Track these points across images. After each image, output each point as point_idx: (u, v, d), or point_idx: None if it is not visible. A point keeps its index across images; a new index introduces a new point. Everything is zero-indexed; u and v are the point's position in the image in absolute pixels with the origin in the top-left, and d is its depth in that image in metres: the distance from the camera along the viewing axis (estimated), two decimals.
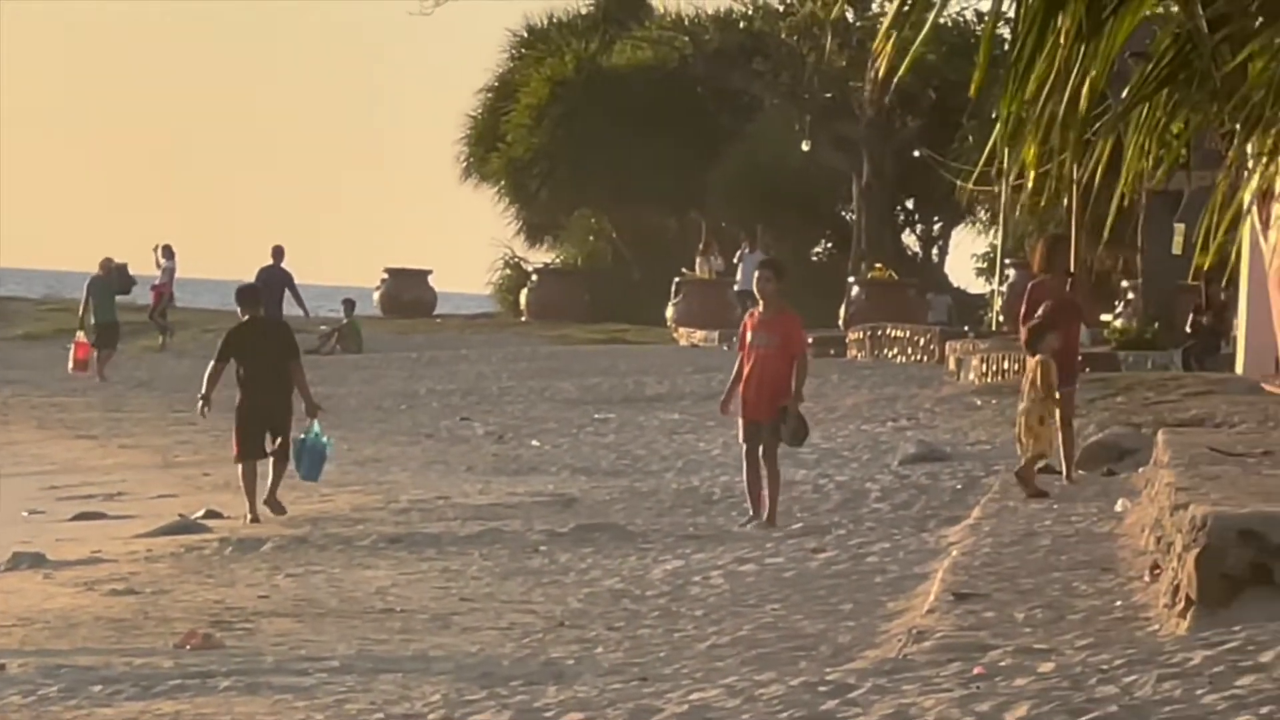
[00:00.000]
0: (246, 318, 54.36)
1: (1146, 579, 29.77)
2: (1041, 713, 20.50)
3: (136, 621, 34.98)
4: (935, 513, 42.88)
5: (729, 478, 45.62)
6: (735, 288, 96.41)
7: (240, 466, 50.81)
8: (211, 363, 53.41)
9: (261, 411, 49.80)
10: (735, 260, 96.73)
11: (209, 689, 28.22)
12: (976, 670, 23.74)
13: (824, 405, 59.91)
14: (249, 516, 51.55)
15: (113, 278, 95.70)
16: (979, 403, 60.75)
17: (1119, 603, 28.88)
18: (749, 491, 44.98)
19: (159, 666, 30.30)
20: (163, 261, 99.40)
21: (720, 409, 48.62)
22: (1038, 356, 44.45)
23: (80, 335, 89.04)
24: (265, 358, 51.25)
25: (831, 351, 79.92)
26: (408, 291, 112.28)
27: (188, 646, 31.96)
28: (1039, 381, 44.56)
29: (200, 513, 50.71)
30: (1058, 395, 43.67)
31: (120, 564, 42.27)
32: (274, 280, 60.59)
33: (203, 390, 53.97)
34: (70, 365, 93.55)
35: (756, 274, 52.90)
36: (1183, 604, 26.47)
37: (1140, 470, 38.16)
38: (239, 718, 25.76)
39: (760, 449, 44.43)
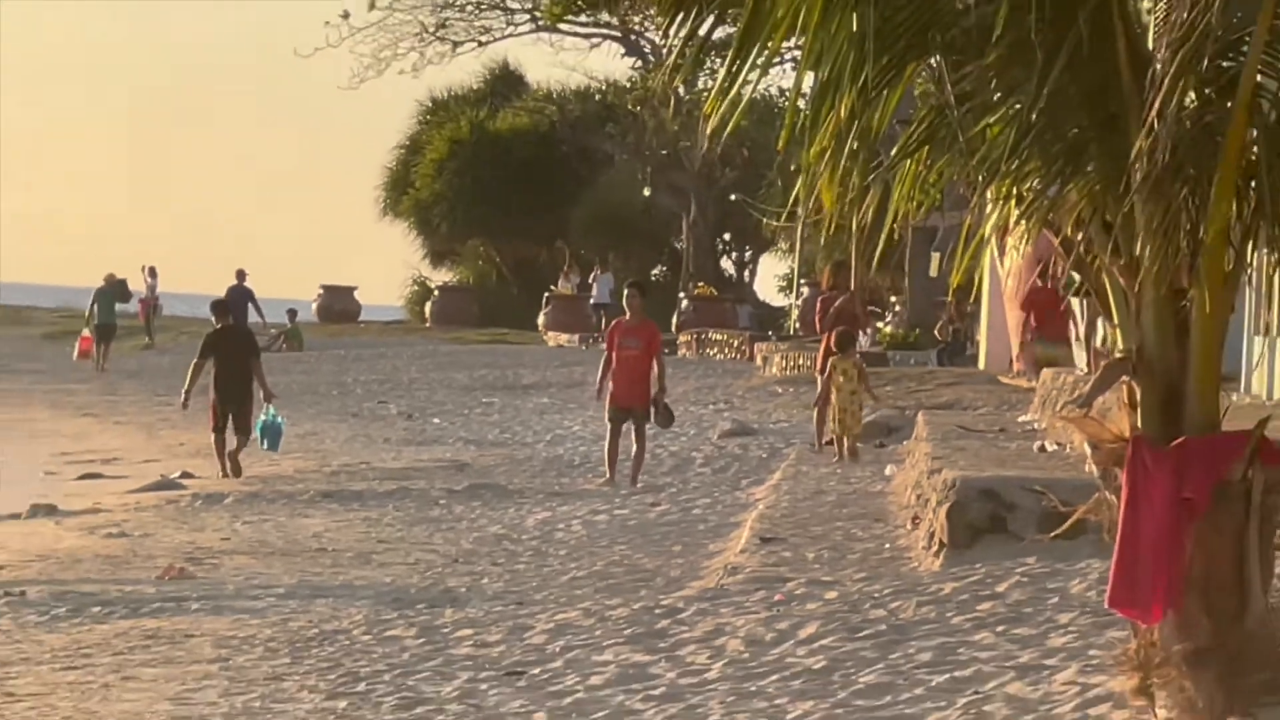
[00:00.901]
0: (219, 325, 54.91)
1: (908, 527, 30.42)
2: (827, 630, 21.21)
3: (127, 558, 35.29)
4: (745, 475, 42.57)
5: (587, 448, 46.08)
6: (591, 301, 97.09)
7: (213, 437, 51.46)
8: (194, 360, 54.10)
9: (230, 396, 49.81)
10: (590, 280, 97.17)
11: (183, 610, 28.56)
12: (777, 597, 24.32)
13: (697, 439, 60.66)
14: (220, 474, 51.49)
15: (114, 288, 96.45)
16: (779, 391, 61.41)
17: (887, 545, 29.47)
18: (608, 459, 45.24)
19: (144, 593, 30.55)
20: (149, 280, 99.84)
21: (596, 395, 49.01)
22: (855, 358, 45.14)
23: (85, 332, 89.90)
24: (233, 356, 51.54)
25: (666, 351, 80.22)
26: (338, 303, 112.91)
27: (167, 577, 32.09)
28: (857, 378, 45.16)
29: (177, 474, 50.83)
30: (855, 385, 44.26)
31: (115, 513, 42.42)
32: (239, 296, 61.35)
33: (186, 384, 54.56)
34: (75, 354, 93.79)
35: (626, 291, 53.68)
36: (936, 547, 27.41)
37: (904, 443, 38.55)
38: (206, 632, 25.74)
39: (629, 428, 44.96)
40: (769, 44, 18.60)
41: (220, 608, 28.72)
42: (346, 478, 48.42)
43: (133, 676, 22.91)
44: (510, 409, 62.72)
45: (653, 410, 45.71)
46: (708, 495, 41.01)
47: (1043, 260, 44.51)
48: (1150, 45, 18.12)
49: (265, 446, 53.67)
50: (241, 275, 69.92)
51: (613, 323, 50.70)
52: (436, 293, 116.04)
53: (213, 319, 56.95)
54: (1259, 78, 17.85)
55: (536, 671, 21.40)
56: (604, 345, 51.98)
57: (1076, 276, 21.78)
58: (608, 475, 44.98)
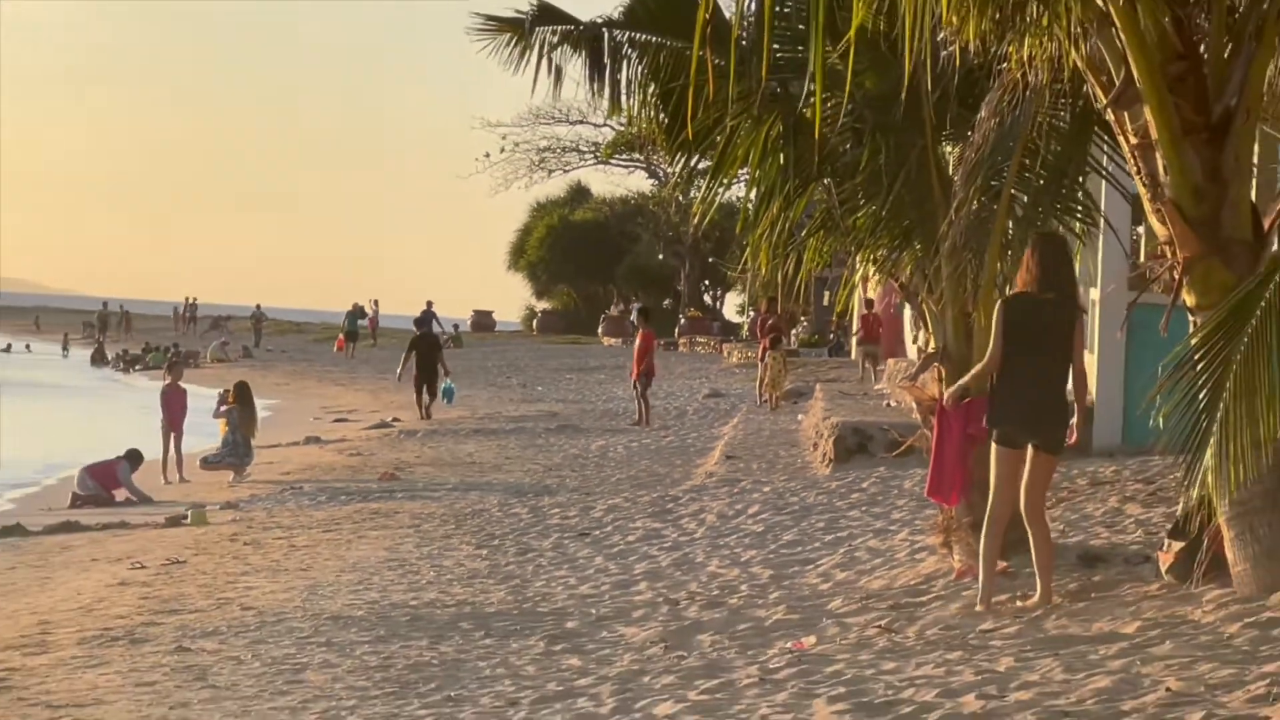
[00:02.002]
0: (418, 332, 54.61)
1: (812, 450, 29.91)
2: (764, 509, 21.74)
3: (360, 467, 35.23)
4: (718, 420, 42.22)
5: (628, 405, 45.43)
6: (630, 319, 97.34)
7: (415, 397, 50.42)
8: (404, 353, 53.13)
9: (425, 373, 49.45)
10: (626, 306, 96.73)
11: (392, 497, 28.72)
12: (735, 490, 24.20)
13: (669, 373, 60.05)
14: (418, 418, 50.50)
15: (356, 311, 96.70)
16: (737, 372, 61.55)
17: (799, 460, 29.38)
18: (640, 409, 44.30)
19: (369, 488, 30.64)
20: (374, 306, 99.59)
21: (631, 375, 47.48)
22: (781, 351, 46.23)
23: (340, 337, 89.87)
24: (427, 350, 51.06)
25: (671, 348, 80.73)
26: (483, 320, 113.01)
27: (383, 478, 31.92)
28: (781, 363, 45.84)
29: (390, 418, 49.91)
30: (780, 367, 44.83)
31: (353, 441, 42.11)
32: (428, 315, 61.26)
33: (400, 367, 53.95)
34: (335, 349, 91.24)
35: (635, 313, 59.41)
36: (827, 461, 27.23)
37: (808, 401, 38.55)
38: (406, 511, 25.93)
39: (641, 390, 44.03)
40: (730, 171, 18.53)
41: (414, 496, 28.85)
42: (487, 421, 47.77)
43: (364, 535, 23.12)
44: (581, 381, 62.49)
45: (642, 387, 45.32)
46: (696, 431, 40.65)
47: (885, 296, 45.32)
48: (951, 172, 18.11)
49: (446, 403, 53.14)
50: (429, 304, 70.51)
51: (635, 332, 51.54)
52: (539, 314, 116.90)
53: (415, 328, 56.31)
54: (1013, 191, 17.82)
55: (597, 533, 21.68)
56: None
57: (908, 304, 21.77)
58: (635, 420, 44.54)
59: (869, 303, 52.45)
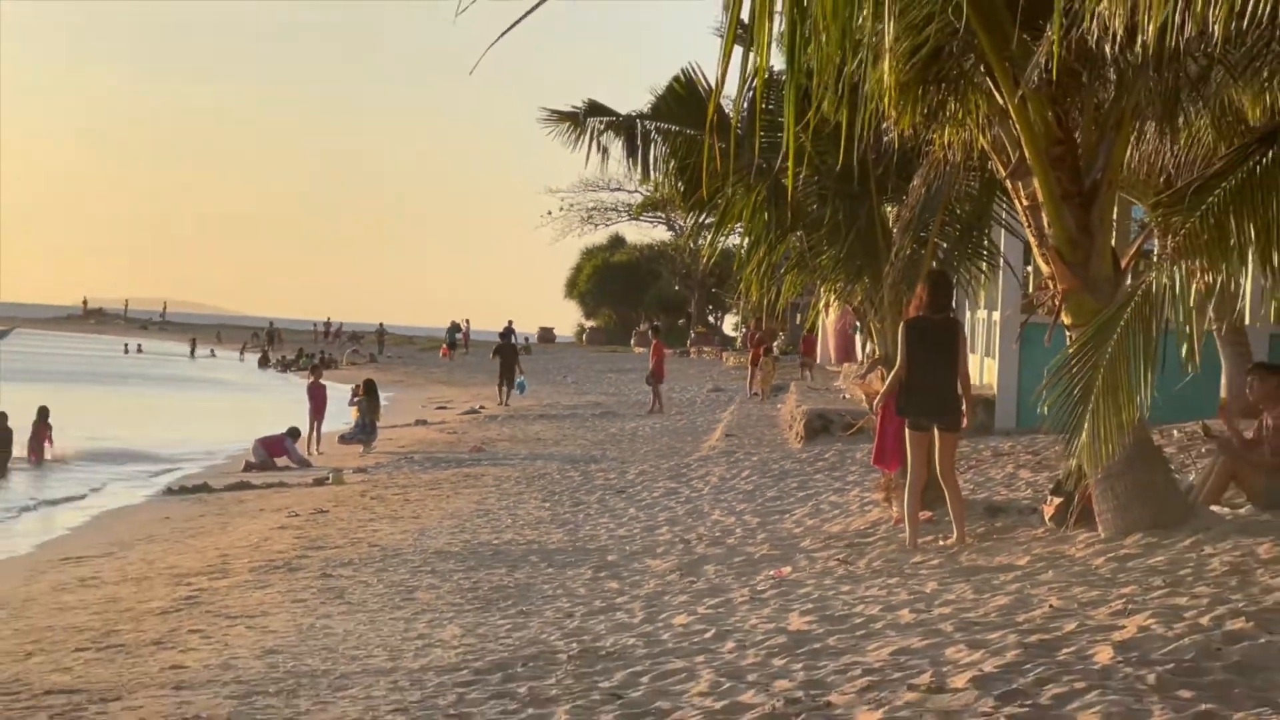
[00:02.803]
0: (501, 342, 54.10)
1: (788, 430, 29.32)
2: (754, 474, 21.29)
3: (455, 442, 34.82)
4: (719, 407, 41.71)
5: (647, 398, 44.98)
6: (650, 333, 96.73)
7: (497, 388, 50.39)
8: (494, 357, 53.18)
9: (506, 371, 48.70)
10: (649, 326, 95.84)
11: (480, 464, 28.35)
12: (732, 460, 23.76)
13: (683, 374, 59.43)
14: (498, 404, 50.04)
15: (454, 327, 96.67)
16: (733, 373, 61.08)
17: (780, 438, 28.89)
18: (653, 400, 43.27)
19: (463, 457, 30.31)
20: (466, 323, 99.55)
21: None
22: (769, 357, 45.92)
23: (444, 346, 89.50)
24: (508, 356, 50.22)
25: (683, 355, 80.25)
26: (546, 334, 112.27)
27: (472, 450, 31.70)
28: (772, 366, 45.71)
29: (479, 406, 48.45)
30: (770, 368, 44.55)
31: (451, 423, 41.67)
32: (508, 331, 60.57)
33: (499, 379, 51.47)
34: (441, 355, 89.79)
35: (650, 329, 61.52)
36: (799, 439, 26.58)
37: (786, 394, 38.38)
38: (490, 474, 25.66)
39: (653, 386, 43.51)
40: (729, 225, 18.49)
41: (496, 463, 28.51)
42: (549, 409, 46.59)
43: (459, 492, 23.10)
44: (618, 380, 61.81)
45: (657, 387, 44.51)
46: (702, 416, 39.95)
47: (842, 317, 45.40)
48: (891, 225, 18.08)
49: (519, 394, 51.32)
50: (510, 323, 69.52)
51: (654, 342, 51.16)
52: (587, 330, 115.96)
53: (499, 340, 55.81)
54: (936, 240, 17.78)
55: (630, 490, 21.58)
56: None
57: (859, 322, 21.81)
58: (650, 408, 43.62)
59: (810, 329, 52.27)
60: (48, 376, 63.55)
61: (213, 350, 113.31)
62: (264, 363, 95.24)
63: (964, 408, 14.39)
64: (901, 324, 14.68)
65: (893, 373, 14.49)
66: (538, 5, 8.00)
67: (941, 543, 13.59)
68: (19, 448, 32.88)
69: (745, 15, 8.26)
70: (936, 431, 13.88)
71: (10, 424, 32.59)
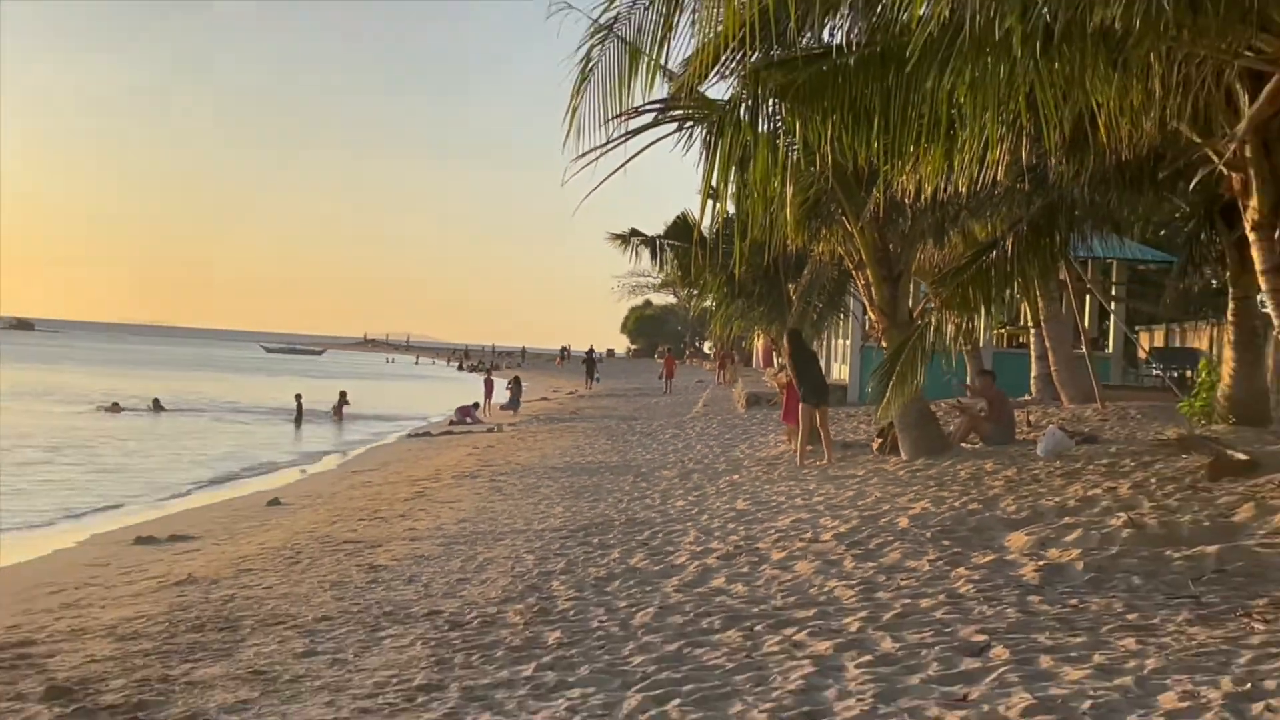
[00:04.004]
0: (587, 356, 53.01)
1: (738, 402, 27.86)
2: (719, 426, 20.12)
3: (560, 410, 33.50)
4: (700, 391, 39.38)
5: (663, 385, 43.34)
6: (665, 351, 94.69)
7: (585, 381, 46.30)
8: (584, 364, 50.16)
9: (589, 371, 45.96)
10: (664, 347, 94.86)
11: (574, 421, 27.24)
12: (707, 419, 22.55)
13: (679, 374, 57.57)
14: (586, 389, 45.78)
15: (563, 348, 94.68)
16: (708, 372, 58.25)
17: (733, 407, 27.73)
18: (666, 389, 41.11)
19: (566, 417, 29.24)
20: (568, 347, 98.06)
21: (661, 375, 44.83)
22: (731, 365, 43.92)
23: (558, 358, 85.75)
24: (590, 363, 48.49)
25: (682, 363, 79.09)
26: (610, 353, 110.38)
27: (571, 414, 30.64)
28: (733, 370, 43.07)
29: (574, 391, 45.92)
30: (731, 370, 43.30)
31: (558, 399, 39.87)
32: (591, 350, 59.06)
33: (586, 375, 48.75)
34: (556, 363, 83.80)
35: (661, 350, 55.72)
36: (744, 407, 25.02)
37: (736, 386, 37.28)
38: (581, 426, 24.83)
39: (666, 381, 41.55)
40: (706, 295, 18.35)
41: (582, 420, 27.55)
42: (614, 392, 44.08)
43: (563, 436, 22.50)
44: (648, 378, 58.92)
45: (669, 381, 41.68)
46: (691, 395, 36.85)
47: (767, 345, 42.44)
48: (792, 295, 18.03)
49: (596, 383, 48.91)
50: (592, 347, 68.18)
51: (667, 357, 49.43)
52: (631, 350, 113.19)
53: (586, 355, 54.62)
54: (816, 303, 17.66)
55: (653, 434, 20.94)
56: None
57: (774, 346, 21.49)
58: (663, 392, 40.66)
59: (729, 348, 47.96)
60: (347, 374, 64.18)
61: (433, 360, 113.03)
62: (460, 367, 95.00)
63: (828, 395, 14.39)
64: (789, 351, 14.64)
65: (794, 377, 14.32)
66: (623, 165, 7.96)
67: (819, 463, 13.41)
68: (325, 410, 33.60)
69: (714, 181, 8.33)
70: (817, 406, 13.81)
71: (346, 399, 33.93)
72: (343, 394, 34.51)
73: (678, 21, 8.81)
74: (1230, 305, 12.09)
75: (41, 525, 13.78)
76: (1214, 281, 13.77)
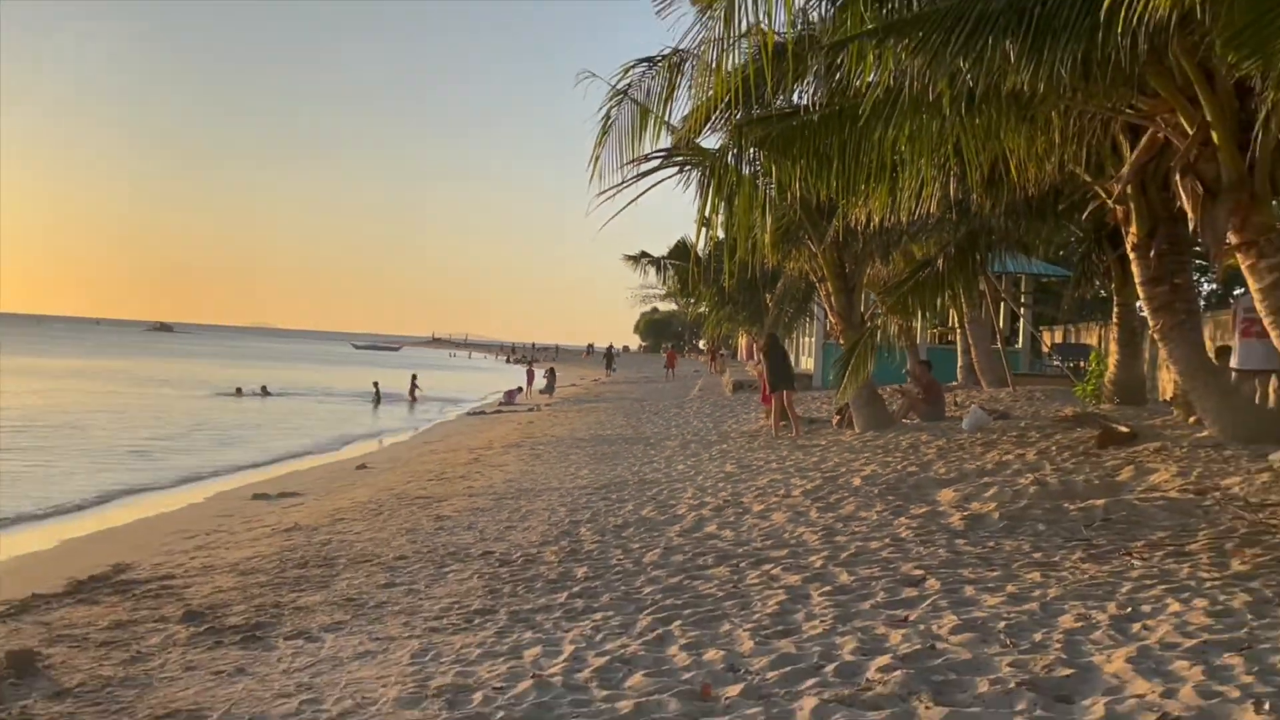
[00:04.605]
0: (607, 351, 50.92)
1: (726, 388, 26.56)
2: (711, 406, 19.27)
3: (586, 393, 32.44)
4: (696, 379, 37.47)
5: (667, 374, 41.67)
6: (669, 347, 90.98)
7: (605, 370, 43.57)
8: (604, 358, 46.64)
9: (609, 364, 42.76)
10: (669, 344, 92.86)
11: (597, 402, 26.39)
12: (703, 401, 21.59)
13: (680, 366, 55.35)
14: (605, 377, 41.70)
15: (589, 345, 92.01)
16: (702, 364, 56.64)
17: (723, 392, 26.38)
18: (669, 375, 39.40)
19: (590, 399, 28.38)
20: (592, 344, 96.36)
21: (665, 364, 42.06)
22: (721, 358, 41.70)
23: (584, 352, 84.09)
24: (610, 357, 46.62)
25: (682, 356, 76.46)
26: (625, 349, 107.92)
27: (595, 395, 29.85)
28: (723, 362, 41.22)
29: (596, 378, 41.39)
30: (721, 362, 41.63)
31: (584, 384, 38.38)
32: (610, 347, 56.82)
33: (605, 365, 45.64)
34: (583, 356, 79.87)
35: (665, 346, 50.37)
36: (731, 391, 23.99)
37: (725, 375, 36.36)
38: (601, 406, 24.23)
39: (670, 370, 39.34)
40: (701, 303, 18.06)
41: (604, 401, 26.72)
42: (628, 379, 42.12)
43: (589, 414, 22.13)
44: (655, 368, 56.53)
45: (671, 370, 39.02)
46: (689, 382, 35.29)
47: (750, 343, 40.61)
48: (769, 303, 17.88)
49: (614, 372, 47.19)
50: (611, 344, 65.24)
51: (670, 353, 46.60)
52: (642, 346, 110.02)
53: (607, 351, 52.74)
54: (787, 308, 17.47)
55: (659, 411, 20.60)
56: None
57: (756, 345, 21.00)
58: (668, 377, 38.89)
59: (719, 345, 45.48)
60: (417, 365, 63.62)
61: (484, 356, 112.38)
62: (507, 361, 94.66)
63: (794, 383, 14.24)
64: (764, 349, 14.55)
65: (765, 370, 14.26)
66: (634, 200, 7.93)
67: (789, 436, 13.29)
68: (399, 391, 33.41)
69: (707, 212, 8.37)
70: (785, 391, 13.63)
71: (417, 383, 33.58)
72: (414, 377, 34.69)
73: (678, 87, 9.04)
74: (1115, 310, 12.29)
75: (177, 484, 13.99)
76: (1102, 291, 13.84)
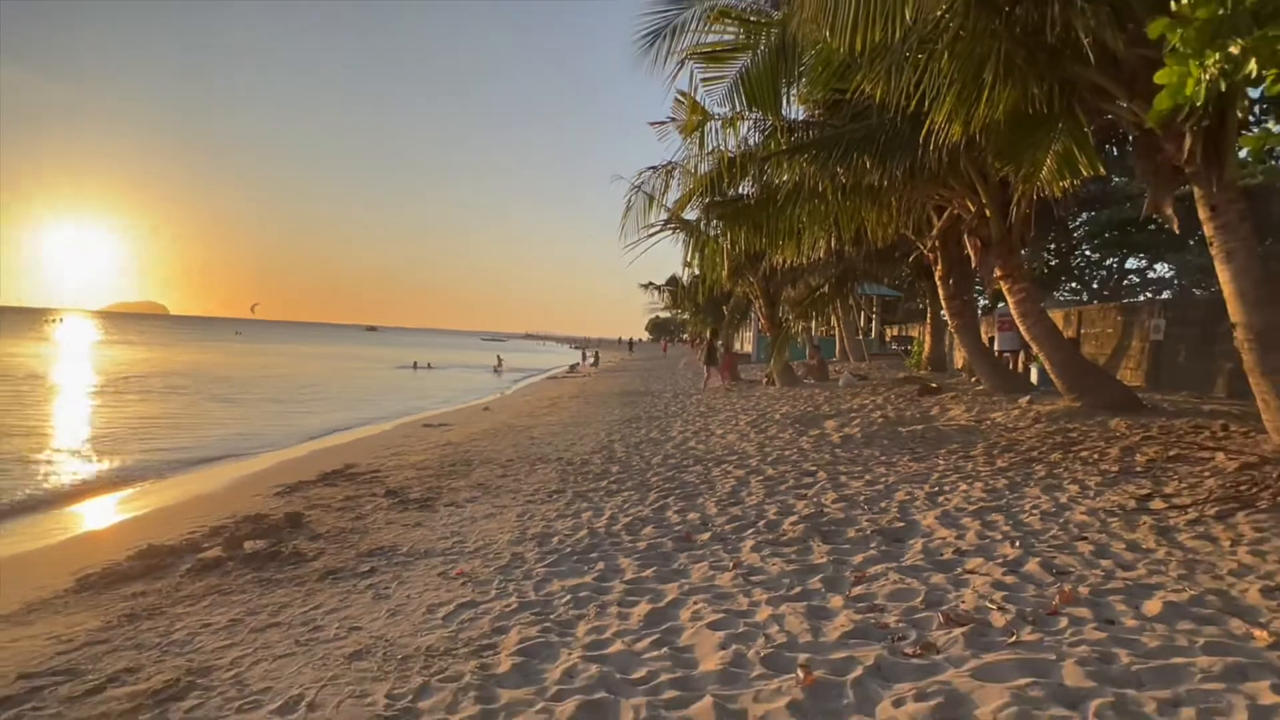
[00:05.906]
0: (628, 341, 48.09)
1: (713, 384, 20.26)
2: (713, 395, 13.81)
3: (616, 367, 28.80)
4: (690, 369, 29.77)
5: (664, 358, 37.56)
6: (663, 339, 69.84)
7: (627, 353, 40.04)
8: (626, 350, 41.20)
9: (630, 349, 38.05)
10: (666, 339, 79.45)
11: (622, 373, 23.07)
12: (696, 386, 19.14)
13: (674, 355, 46.70)
14: (628, 355, 39.18)
15: (619, 338, 76.51)
16: (696, 355, 44.77)
17: (702, 375, 19.81)
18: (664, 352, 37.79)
19: (618, 370, 25.17)
20: (623, 336, 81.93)
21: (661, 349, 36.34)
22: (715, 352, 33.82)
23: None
24: (630, 346, 43.52)
25: (679, 345, 62.17)
26: (640, 340, 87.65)
27: (615, 370, 26.76)
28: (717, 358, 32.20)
29: (623, 357, 38.24)
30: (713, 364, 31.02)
31: (616, 362, 34.43)
32: (629, 338, 52.20)
33: (628, 349, 40.78)
34: (618, 342, 68.91)
35: (662, 340, 42.55)
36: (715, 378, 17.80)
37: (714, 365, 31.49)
38: (623, 374, 22.13)
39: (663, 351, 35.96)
40: (687, 312, 17.27)
41: (627, 372, 23.78)
42: (641, 359, 37.85)
43: (616, 380, 20.31)
44: (656, 352, 50.98)
45: (665, 353, 34.35)
46: (680, 359, 31.00)
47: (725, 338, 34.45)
48: (727, 313, 17.58)
49: (631, 354, 42.46)
50: (631, 337, 59.18)
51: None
52: (649, 338, 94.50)
53: (628, 341, 49.02)
54: (737, 317, 17.01)
55: (666, 396, 18.71)
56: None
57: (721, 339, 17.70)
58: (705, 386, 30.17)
59: (697, 338, 37.86)
60: (518, 350, 62.77)
61: (560, 345, 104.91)
62: (573, 348, 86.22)
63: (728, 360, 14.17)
64: (709, 340, 14.50)
65: (723, 354, 14.15)
66: (645, 249, 8.20)
67: (729, 391, 12.87)
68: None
69: (689, 258, 8.79)
70: (712, 364, 13.54)
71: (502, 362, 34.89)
72: (499, 357, 36.44)
73: (671, 183, 10.42)
74: (928, 316, 13.88)
75: (380, 419, 14.34)
76: (920, 304, 14.40)
